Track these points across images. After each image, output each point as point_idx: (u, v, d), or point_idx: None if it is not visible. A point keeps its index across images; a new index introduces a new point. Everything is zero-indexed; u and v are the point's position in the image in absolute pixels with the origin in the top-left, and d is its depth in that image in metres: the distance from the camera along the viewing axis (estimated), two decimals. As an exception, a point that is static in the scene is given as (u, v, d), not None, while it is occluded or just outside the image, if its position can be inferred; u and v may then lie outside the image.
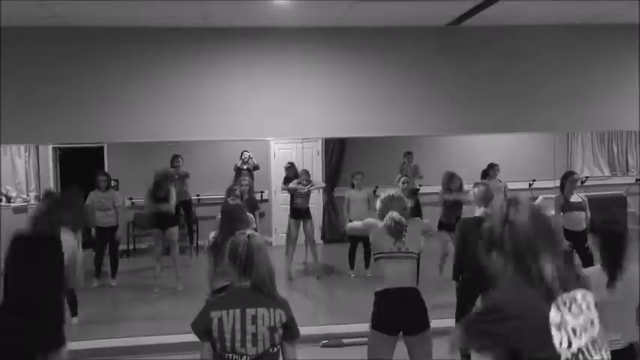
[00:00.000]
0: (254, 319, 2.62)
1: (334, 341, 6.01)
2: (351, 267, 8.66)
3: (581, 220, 6.80)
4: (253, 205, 7.75)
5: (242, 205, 5.16)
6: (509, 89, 6.09)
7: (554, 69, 6.12)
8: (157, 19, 5.40)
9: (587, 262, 6.24)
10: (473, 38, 6.00)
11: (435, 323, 4.15)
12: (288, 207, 9.09)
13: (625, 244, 3.02)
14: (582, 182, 12.06)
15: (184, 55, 5.73)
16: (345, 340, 6.01)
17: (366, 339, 6.03)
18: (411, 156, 10.00)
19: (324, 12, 5.36)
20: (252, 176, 10.85)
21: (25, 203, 10.67)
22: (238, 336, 2.59)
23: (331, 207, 10.84)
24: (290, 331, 2.72)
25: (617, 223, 3.10)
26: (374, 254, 4.13)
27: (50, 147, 10.69)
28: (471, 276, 4.79)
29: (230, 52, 5.80)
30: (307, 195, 8.70)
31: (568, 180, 6.88)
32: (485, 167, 9.19)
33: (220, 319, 2.61)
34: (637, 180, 11.98)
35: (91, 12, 5.08)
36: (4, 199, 10.84)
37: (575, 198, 6.86)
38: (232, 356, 2.60)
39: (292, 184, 8.75)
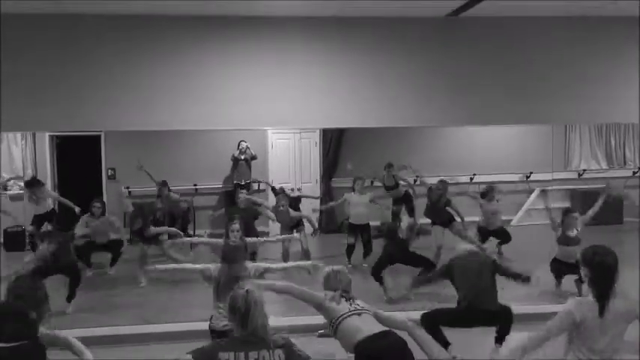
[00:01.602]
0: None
1: (328, 331, 6.01)
2: (349, 261, 8.66)
3: (576, 253, 6.67)
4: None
5: (241, 246, 5.21)
6: (507, 81, 6.08)
7: (552, 61, 6.11)
8: (156, 7, 5.37)
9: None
10: (472, 29, 5.98)
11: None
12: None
13: (614, 275, 3.06)
14: (580, 175, 12.11)
15: (182, 43, 5.70)
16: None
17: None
18: (392, 168, 9.90)
19: (323, 3, 5.34)
20: (249, 166, 10.86)
21: (22, 191, 10.64)
22: None
23: (328, 198, 10.84)
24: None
25: (607, 254, 3.11)
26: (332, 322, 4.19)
27: (47, 135, 10.66)
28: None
29: (228, 42, 5.77)
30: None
31: (567, 217, 6.94)
32: (485, 190, 9.17)
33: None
34: (634, 173, 12.00)
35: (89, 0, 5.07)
36: (0, 186, 10.81)
37: (573, 233, 6.92)
38: None
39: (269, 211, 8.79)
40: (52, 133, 10.63)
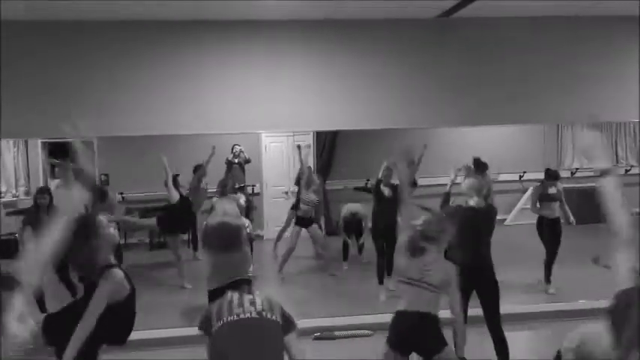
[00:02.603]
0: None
1: (326, 334, 6.01)
2: (345, 259, 8.68)
3: (555, 208, 7.49)
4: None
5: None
6: (500, 81, 6.10)
7: (545, 61, 6.13)
8: (148, 12, 5.35)
9: (550, 245, 7.33)
10: (464, 30, 5.99)
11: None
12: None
13: None
14: (572, 174, 12.15)
15: (174, 48, 5.69)
16: (337, 333, 6.02)
17: (358, 331, 6.08)
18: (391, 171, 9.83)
19: (314, 5, 5.34)
20: (243, 170, 10.84)
21: (15, 198, 10.59)
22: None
23: (324, 200, 10.83)
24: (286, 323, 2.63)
25: None
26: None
27: (39, 141, 10.61)
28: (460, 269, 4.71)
29: (221, 46, 5.77)
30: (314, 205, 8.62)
31: (548, 175, 7.59)
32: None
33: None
34: (626, 171, 12.06)
35: (80, 6, 5.03)
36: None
37: (552, 190, 7.45)
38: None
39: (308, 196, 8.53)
40: (44, 140, 10.59)
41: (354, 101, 5.93)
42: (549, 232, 7.40)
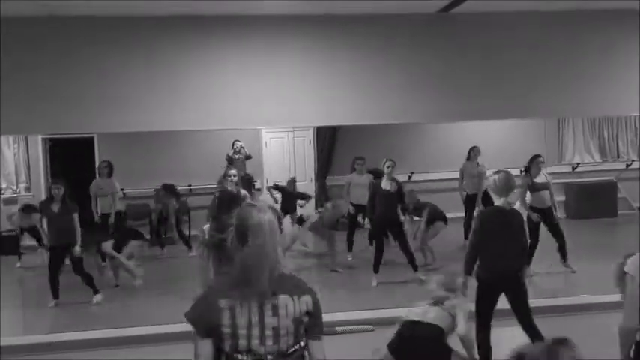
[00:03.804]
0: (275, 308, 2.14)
1: (327, 329, 6.00)
2: (350, 249, 8.67)
3: (546, 198, 7.26)
4: (249, 182, 7.74)
5: (238, 196, 4.88)
6: (500, 76, 6.09)
7: (545, 55, 6.11)
8: (148, 8, 5.35)
9: (554, 233, 7.21)
10: (464, 26, 5.98)
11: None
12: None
13: None
14: (574, 168, 12.13)
15: (174, 44, 5.68)
16: (338, 328, 6.02)
17: (360, 326, 6.08)
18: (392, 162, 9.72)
19: (313, 0, 5.33)
20: (244, 166, 10.83)
21: (15, 195, 10.60)
22: (256, 331, 2.13)
23: (323, 196, 10.83)
24: (314, 321, 2.24)
25: None
26: None
27: (40, 138, 10.62)
28: (488, 274, 4.46)
29: (221, 41, 5.76)
30: None
31: (534, 163, 7.33)
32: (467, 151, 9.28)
33: (232, 309, 2.12)
34: (627, 166, 12.04)
35: (79, 2, 5.03)
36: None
37: (541, 179, 7.26)
38: (246, 357, 2.13)
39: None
40: (44, 136, 10.59)
41: (355, 97, 5.92)
42: (546, 222, 7.18)
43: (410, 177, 10.01)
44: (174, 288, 7.02)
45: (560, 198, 10.51)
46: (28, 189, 10.85)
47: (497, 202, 4.51)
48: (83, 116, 5.61)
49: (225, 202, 4.03)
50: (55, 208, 6.73)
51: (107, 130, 6.80)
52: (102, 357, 5.37)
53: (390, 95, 5.97)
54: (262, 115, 5.87)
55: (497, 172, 4.52)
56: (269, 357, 2.12)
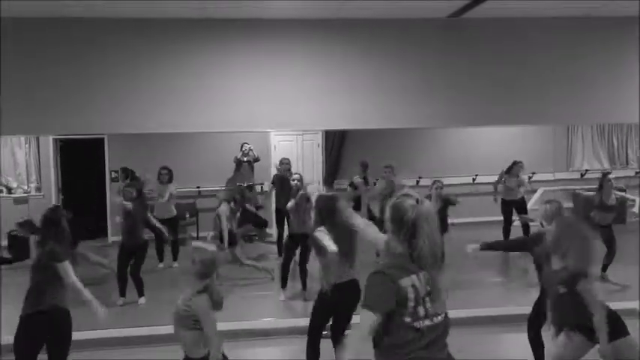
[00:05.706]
0: (430, 281, 2.54)
1: (329, 334, 5.99)
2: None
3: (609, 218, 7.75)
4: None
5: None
6: (509, 82, 6.09)
7: (554, 61, 6.11)
8: (156, 10, 5.39)
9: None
10: (473, 31, 5.99)
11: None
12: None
13: None
14: (582, 175, 12.10)
15: (184, 46, 5.72)
16: (347, 332, 6.02)
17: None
18: (391, 168, 9.65)
19: (321, 4, 5.36)
20: (252, 168, 10.88)
21: (26, 194, 10.70)
22: (428, 300, 2.52)
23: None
24: None
25: None
26: None
27: (51, 138, 10.70)
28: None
29: (229, 44, 5.80)
30: None
31: (605, 180, 7.89)
32: (510, 164, 9.60)
33: (415, 286, 2.50)
34: (636, 173, 11.99)
35: (90, 3, 5.09)
36: (4, 189, 10.86)
37: (611, 200, 7.70)
38: (422, 322, 2.51)
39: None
40: (55, 137, 10.68)
41: (364, 101, 5.94)
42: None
43: (418, 182, 10.02)
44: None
45: (567, 204, 10.48)
46: (38, 189, 10.95)
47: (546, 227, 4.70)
48: (93, 118, 5.66)
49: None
50: (129, 207, 7.20)
51: (116, 132, 6.85)
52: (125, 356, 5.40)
53: (400, 100, 5.98)
54: (271, 118, 5.90)
55: (548, 202, 4.84)
56: (440, 317, 2.55)
